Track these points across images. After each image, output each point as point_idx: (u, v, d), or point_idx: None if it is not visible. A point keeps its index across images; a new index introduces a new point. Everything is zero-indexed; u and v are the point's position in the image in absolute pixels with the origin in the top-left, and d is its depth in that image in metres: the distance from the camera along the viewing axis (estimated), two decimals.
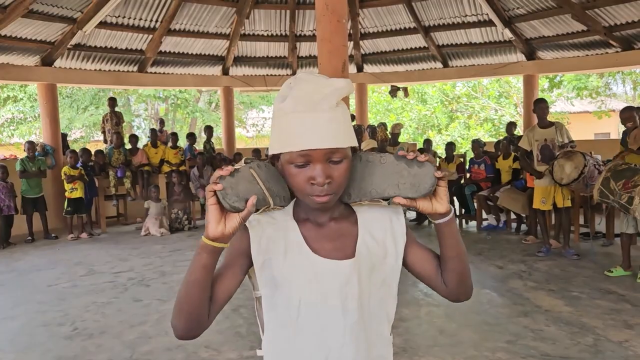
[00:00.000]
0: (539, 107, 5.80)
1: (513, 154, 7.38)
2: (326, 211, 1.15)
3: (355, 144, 1.11)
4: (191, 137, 9.83)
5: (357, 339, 1.11)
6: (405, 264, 1.18)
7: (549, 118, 5.89)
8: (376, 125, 8.68)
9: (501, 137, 9.77)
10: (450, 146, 8.41)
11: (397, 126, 8.21)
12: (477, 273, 5.21)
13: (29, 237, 7.64)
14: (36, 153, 8.48)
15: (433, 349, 3.40)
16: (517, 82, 16.76)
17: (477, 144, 7.99)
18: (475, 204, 7.68)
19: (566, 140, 5.67)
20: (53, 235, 7.87)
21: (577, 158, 5.42)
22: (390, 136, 8.05)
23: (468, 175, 8.10)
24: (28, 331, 4.07)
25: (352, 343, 1.10)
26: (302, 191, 1.08)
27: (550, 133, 5.70)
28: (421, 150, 8.66)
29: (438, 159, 8.33)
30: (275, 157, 1.12)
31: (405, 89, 10.95)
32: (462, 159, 8.43)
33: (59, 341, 3.80)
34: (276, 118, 1.10)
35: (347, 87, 1.07)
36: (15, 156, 9.17)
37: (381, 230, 1.16)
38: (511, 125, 8.74)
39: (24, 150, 8.09)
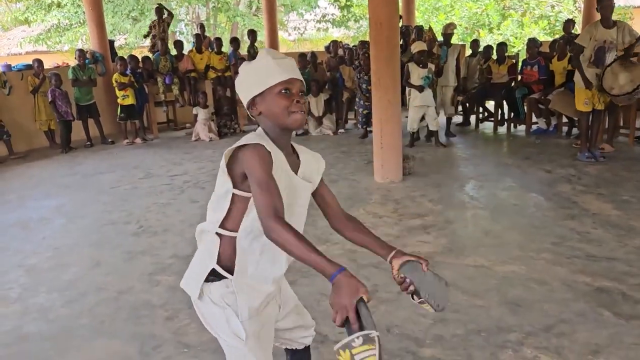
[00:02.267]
0: (602, 5, 5.19)
1: (569, 54, 7.01)
2: (289, 141, 1.52)
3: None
4: (235, 42, 9.73)
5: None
6: (316, 192, 1.63)
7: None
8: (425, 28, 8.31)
9: (557, 36, 9.22)
10: (501, 47, 8.00)
11: (450, 26, 7.79)
12: (524, 177, 5.20)
13: (88, 142, 8.04)
14: (86, 60, 8.66)
15: (478, 249, 3.52)
16: None
17: (533, 43, 7.57)
18: (526, 108, 7.46)
19: (627, 40, 5.25)
20: (109, 140, 8.24)
21: (636, 70, 5.06)
22: (442, 37, 7.69)
23: (519, 77, 7.79)
24: (98, 228, 4.43)
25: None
26: (288, 109, 1.43)
27: (612, 34, 5.23)
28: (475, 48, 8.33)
29: (489, 60, 7.97)
30: (251, 104, 1.48)
31: None
32: (514, 60, 8.07)
33: (127, 237, 4.14)
34: (255, 65, 1.47)
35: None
36: (67, 64, 9.37)
37: (311, 167, 1.60)
38: (569, 23, 8.20)
39: (75, 58, 8.27)
